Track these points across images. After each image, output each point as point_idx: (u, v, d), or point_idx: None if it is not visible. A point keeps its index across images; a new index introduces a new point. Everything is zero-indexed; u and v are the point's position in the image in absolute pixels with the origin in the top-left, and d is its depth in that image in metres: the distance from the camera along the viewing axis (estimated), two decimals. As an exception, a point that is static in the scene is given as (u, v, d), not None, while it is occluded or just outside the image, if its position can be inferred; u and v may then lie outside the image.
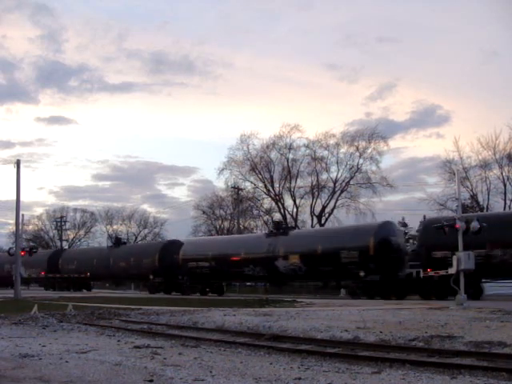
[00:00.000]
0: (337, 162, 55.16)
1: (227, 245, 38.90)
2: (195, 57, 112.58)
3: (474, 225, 20.54)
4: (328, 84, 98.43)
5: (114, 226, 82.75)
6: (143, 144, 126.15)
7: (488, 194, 47.04)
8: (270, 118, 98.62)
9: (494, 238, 24.71)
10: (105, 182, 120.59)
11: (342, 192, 54.94)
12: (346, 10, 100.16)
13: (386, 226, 30.62)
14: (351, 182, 54.74)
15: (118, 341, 11.31)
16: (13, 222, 47.72)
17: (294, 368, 7.95)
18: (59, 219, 79.66)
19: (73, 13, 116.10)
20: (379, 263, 28.97)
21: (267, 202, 59.13)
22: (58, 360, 8.60)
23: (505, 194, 46.31)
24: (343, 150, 54.90)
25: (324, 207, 55.36)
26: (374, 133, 53.72)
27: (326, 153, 55.55)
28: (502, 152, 46.37)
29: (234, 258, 36.20)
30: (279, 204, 57.26)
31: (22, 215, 37.04)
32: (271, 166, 56.63)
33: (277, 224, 38.50)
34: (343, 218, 53.89)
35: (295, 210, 56.70)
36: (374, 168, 53.91)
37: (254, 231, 57.47)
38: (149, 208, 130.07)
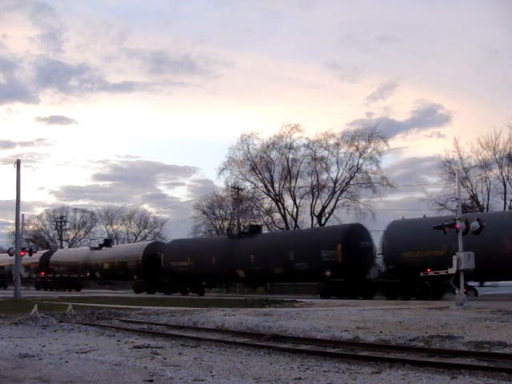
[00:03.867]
0: (337, 162, 55.14)
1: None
2: (196, 56, 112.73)
3: (474, 225, 20.50)
4: (329, 84, 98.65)
5: (114, 226, 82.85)
6: (143, 144, 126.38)
7: (488, 194, 47.06)
8: (271, 118, 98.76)
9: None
10: (105, 181, 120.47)
11: (342, 192, 54.90)
12: (348, 10, 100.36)
13: None
14: (351, 182, 54.70)
15: (118, 341, 11.31)
16: (13, 221, 47.98)
17: (293, 368, 7.94)
18: (59, 219, 79.71)
19: (73, 12, 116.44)
20: None
21: (267, 202, 59.11)
22: (58, 360, 8.60)
23: (505, 194, 46.32)
24: (343, 149, 54.84)
25: (324, 207, 55.32)
26: (373, 133, 53.67)
27: (326, 153, 55.51)
28: (501, 152, 46.40)
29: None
30: (279, 204, 57.25)
31: (22, 215, 37.07)
32: (271, 166, 56.63)
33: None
34: (343, 217, 53.91)
35: (295, 209, 56.71)
36: (374, 168, 53.84)
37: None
38: (149, 208, 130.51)
